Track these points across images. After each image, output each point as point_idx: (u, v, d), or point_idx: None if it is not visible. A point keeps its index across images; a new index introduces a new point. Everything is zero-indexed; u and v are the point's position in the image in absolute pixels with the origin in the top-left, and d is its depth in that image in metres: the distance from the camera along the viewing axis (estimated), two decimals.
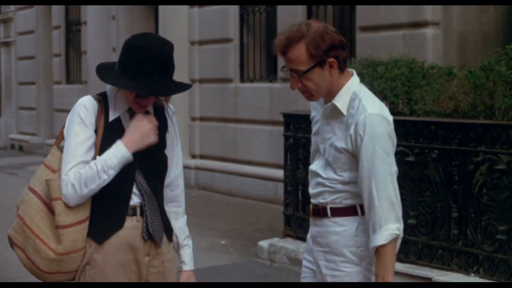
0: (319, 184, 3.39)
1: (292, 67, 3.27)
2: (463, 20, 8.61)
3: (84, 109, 3.27)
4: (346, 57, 3.34)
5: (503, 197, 5.71)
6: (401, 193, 6.31)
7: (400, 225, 3.25)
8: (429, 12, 8.53)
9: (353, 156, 3.29)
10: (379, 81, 7.14)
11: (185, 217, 3.54)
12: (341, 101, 3.30)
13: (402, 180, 6.40)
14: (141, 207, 3.32)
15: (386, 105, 7.10)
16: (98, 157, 3.22)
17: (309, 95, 3.34)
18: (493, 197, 5.79)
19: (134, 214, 3.30)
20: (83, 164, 3.22)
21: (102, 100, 3.32)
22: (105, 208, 3.26)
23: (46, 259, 3.20)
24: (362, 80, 7.09)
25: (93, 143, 3.25)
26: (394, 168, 3.30)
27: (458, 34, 8.57)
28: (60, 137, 3.38)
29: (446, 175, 6.10)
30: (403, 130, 6.38)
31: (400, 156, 6.39)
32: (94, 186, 3.20)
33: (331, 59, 3.26)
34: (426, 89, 7.00)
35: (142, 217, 3.31)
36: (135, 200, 3.31)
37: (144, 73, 3.22)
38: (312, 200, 3.45)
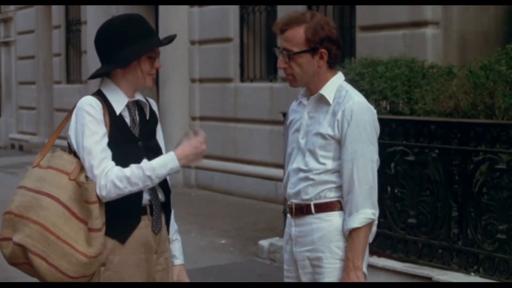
0: (300, 179, 3.41)
1: (286, 46, 3.38)
2: (463, 20, 8.61)
3: (92, 108, 3.25)
4: (338, 55, 3.43)
5: (503, 196, 5.71)
6: (401, 193, 6.42)
7: (376, 211, 3.34)
8: (429, 12, 8.53)
9: (338, 144, 3.35)
10: (379, 80, 7.14)
11: (172, 211, 3.53)
12: (327, 91, 3.40)
13: (402, 179, 6.40)
14: (150, 206, 3.33)
15: (386, 104, 7.17)
16: (146, 162, 3.21)
17: (292, 79, 3.42)
18: (493, 196, 5.79)
19: (145, 213, 3.32)
20: (109, 158, 3.20)
21: (102, 98, 3.32)
22: (121, 207, 3.24)
23: (77, 264, 3.15)
24: (362, 79, 7.14)
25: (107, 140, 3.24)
26: (376, 157, 3.37)
27: (458, 34, 8.57)
28: (55, 137, 3.38)
29: (446, 174, 6.10)
30: (403, 129, 6.38)
31: (400, 156, 6.39)
32: (136, 188, 3.20)
33: (323, 50, 3.36)
34: (426, 89, 7.00)
35: (152, 216, 3.33)
36: (145, 198, 3.32)
37: (145, 33, 3.31)
38: (293, 200, 3.45)
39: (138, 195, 3.28)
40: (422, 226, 6.31)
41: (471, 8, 8.58)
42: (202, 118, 12.32)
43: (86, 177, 3.20)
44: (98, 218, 3.16)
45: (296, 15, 3.39)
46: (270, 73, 11.13)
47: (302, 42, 3.34)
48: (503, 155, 5.72)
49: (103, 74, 3.36)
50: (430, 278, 6.03)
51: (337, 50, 3.40)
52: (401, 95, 7.15)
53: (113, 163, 3.21)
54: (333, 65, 3.43)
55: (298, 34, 3.35)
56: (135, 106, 3.39)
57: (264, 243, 7.77)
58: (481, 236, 5.88)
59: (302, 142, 3.43)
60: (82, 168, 3.22)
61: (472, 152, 5.94)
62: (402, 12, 8.72)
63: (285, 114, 7.94)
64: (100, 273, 3.24)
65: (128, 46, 3.27)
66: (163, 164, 3.21)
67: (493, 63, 6.47)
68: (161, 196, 3.38)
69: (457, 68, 7.36)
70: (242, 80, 11.66)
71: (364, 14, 9.24)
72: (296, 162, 3.44)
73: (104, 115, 3.26)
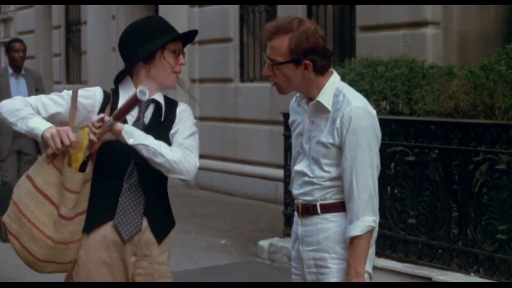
0: (306, 183, 3.39)
1: (270, 55, 3.31)
2: (463, 20, 8.61)
3: (85, 91, 3.34)
4: (326, 65, 3.32)
5: (503, 197, 5.71)
6: (401, 193, 6.42)
7: (376, 218, 3.31)
8: (429, 12, 8.53)
9: (340, 150, 3.31)
10: (379, 81, 7.13)
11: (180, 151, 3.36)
12: (325, 97, 3.33)
13: (402, 180, 6.40)
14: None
15: (386, 105, 7.17)
16: (32, 109, 3.27)
17: (278, 87, 3.38)
18: (493, 196, 5.79)
19: None
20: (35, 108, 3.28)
21: (114, 94, 3.36)
22: (98, 201, 3.27)
23: (43, 247, 3.20)
24: (362, 79, 7.13)
25: (55, 114, 3.30)
26: (376, 162, 3.32)
27: (458, 34, 8.57)
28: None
29: (446, 174, 6.10)
30: (403, 129, 6.38)
31: (400, 156, 6.39)
32: (12, 120, 3.24)
33: (307, 62, 3.27)
34: (426, 89, 7.00)
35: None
36: None
37: (166, 29, 3.35)
38: (299, 200, 3.44)
39: (116, 191, 3.28)
40: (422, 226, 6.31)
41: (471, 8, 8.58)
42: (202, 118, 12.31)
43: (69, 164, 3.22)
44: (73, 208, 3.19)
45: (283, 22, 3.29)
46: None
47: (286, 52, 3.26)
48: (503, 156, 5.72)
49: (126, 74, 3.40)
50: (430, 278, 6.04)
51: (323, 60, 3.29)
52: (401, 95, 7.15)
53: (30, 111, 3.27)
54: (322, 72, 3.33)
55: (283, 43, 3.25)
56: (151, 106, 3.38)
57: (264, 243, 7.76)
58: (481, 236, 5.88)
59: (307, 147, 3.40)
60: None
61: (472, 152, 5.94)
62: (402, 12, 8.72)
63: (285, 114, 7.94)
64: (73, 268, 3.30)
65: (149, 42, 3.29)
66: (39, 121, 3.23)
67: (493, 63, 6.46)
68: (151, 199, 3.35)
69: (457, 68, 7.35)
70: (242, 80, 11.66)
71: (364, 14, 9.24)
72: (301, 165, 3.42)
73: (105, 107, 3.30)
